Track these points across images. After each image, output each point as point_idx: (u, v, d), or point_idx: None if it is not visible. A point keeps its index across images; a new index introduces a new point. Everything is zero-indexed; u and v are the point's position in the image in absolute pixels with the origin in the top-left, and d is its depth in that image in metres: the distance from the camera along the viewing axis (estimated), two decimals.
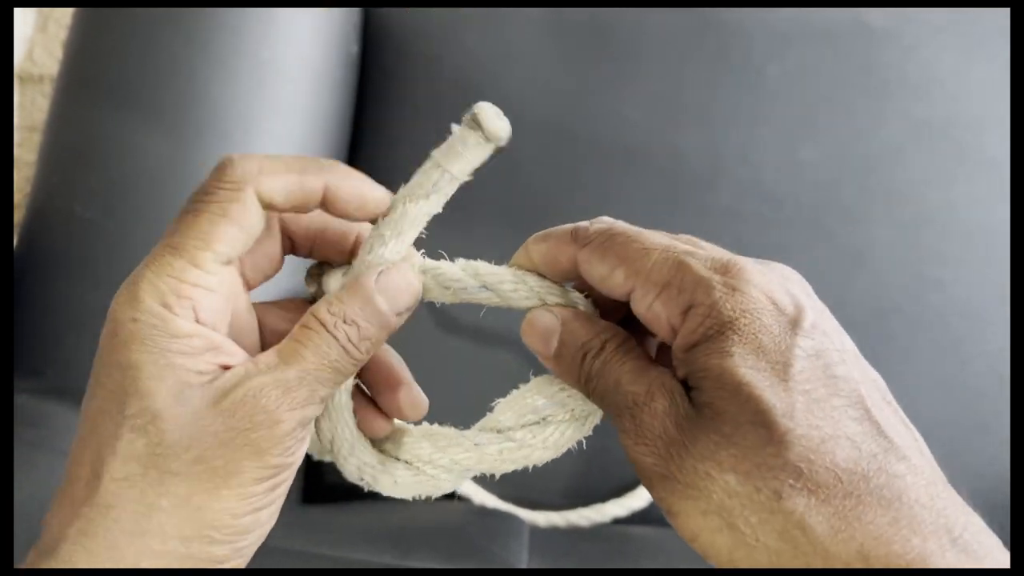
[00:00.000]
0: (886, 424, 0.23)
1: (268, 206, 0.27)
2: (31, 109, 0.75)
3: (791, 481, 0.22)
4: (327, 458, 0.36)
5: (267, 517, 0.27)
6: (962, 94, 0.67)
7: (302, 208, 0.28)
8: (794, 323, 0.24)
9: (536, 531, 0.59)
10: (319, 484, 0.62)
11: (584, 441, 0.29)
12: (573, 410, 0.29)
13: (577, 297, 0.30)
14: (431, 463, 0.29)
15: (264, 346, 0.30)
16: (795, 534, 0.22)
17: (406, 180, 0.29)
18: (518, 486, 0.62)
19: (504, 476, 0.29)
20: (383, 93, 0.68)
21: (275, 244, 0.30)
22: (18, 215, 0.69)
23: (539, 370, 0.31)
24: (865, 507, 0.22)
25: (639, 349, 0.28)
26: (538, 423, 0.29)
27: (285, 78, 0.63)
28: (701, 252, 0.26)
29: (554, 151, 0.66)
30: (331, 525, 0.53)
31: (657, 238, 0.27)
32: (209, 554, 0.26)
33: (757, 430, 0.23)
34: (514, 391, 0.30)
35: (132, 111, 0.59)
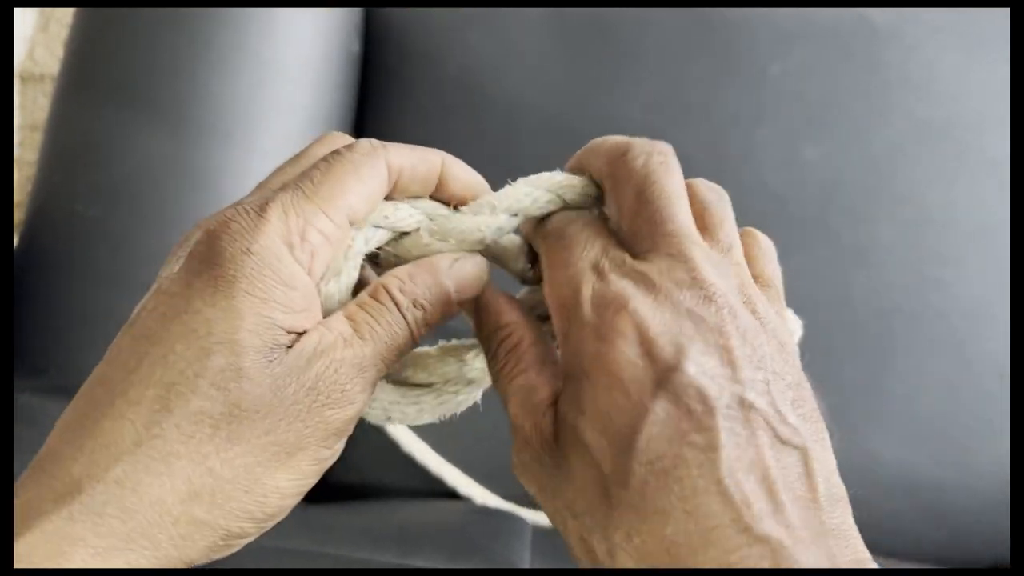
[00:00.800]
0: (740, 488, 0.21)
1: (394, 178, 0.26)
2: (32, 108, 0.75)
3: (619, 541, 0.22)
4: None
5: (296, 502, 0.25)
6: (963, 94, 0.67)
7: (421, 185, 0.27)
8: (659, 381, 0.22)
9: (538, 530, 0.59)
10: (321, 484, 0.62)
11: None
12: None
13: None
14: (458, 378, 0.28)
15: None
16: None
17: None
18: (520, 485, 0.61)
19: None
20: (385, 93, 0.68)
21: None
22: (19, 214, 0.69)
23: None
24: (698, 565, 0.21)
25: (538, 348, 0.26)
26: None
27: (286, 78, 0.63)
28: (617, 273, 0.24)
29: (556, 150, 0.66)
30: (333, 524, 0.54)
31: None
32: (240, 529, 0.24)
33: (595, 492, 0.22)
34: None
35: (133, 110, 0.59)
